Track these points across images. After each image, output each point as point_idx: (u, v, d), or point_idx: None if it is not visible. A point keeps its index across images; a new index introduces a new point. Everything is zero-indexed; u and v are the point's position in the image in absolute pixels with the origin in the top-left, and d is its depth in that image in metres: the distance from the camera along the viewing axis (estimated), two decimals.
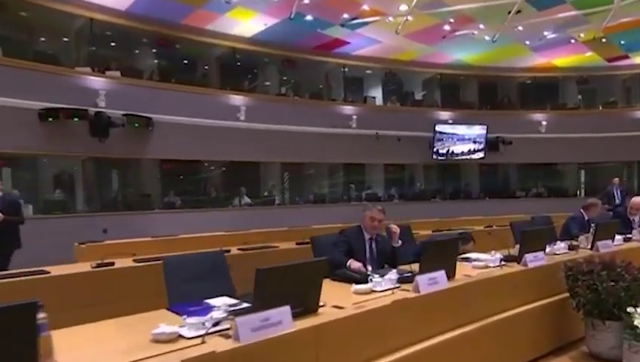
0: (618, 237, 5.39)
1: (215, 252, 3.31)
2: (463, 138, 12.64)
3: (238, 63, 12.47)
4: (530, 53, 12.41)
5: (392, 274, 2.99)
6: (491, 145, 13.06)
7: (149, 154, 9.65)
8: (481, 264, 3.70)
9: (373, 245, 3.97)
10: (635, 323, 3.22)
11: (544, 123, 13.30)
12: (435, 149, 12.47)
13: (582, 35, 11.28)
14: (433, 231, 7.85)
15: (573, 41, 11.71)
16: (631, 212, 6.24)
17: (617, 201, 11.83)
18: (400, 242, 4.00)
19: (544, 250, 4.16)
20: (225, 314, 2.15)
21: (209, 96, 10.53)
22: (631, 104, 14.13)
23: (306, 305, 2.30)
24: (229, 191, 11.48)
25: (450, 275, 3.13)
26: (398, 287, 2.86)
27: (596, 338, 3.59)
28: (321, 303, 2.41)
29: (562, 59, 13.09)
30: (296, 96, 12.28)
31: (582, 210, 6.11)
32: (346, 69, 13.22)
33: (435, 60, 12.92)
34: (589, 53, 12.45)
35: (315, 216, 10.32)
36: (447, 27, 10.79)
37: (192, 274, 2.99)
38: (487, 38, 11.27)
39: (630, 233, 5.58)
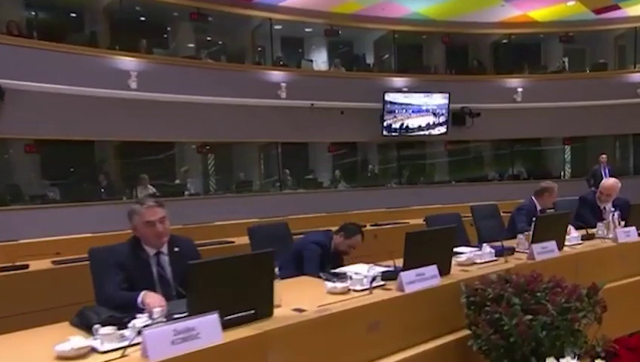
0: (575, 234, 4.29)
1: None
2: (419, 109, 11.49)
3: (142, 18, 11.09)
4: (502, 3, 11.26)
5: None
6: (456, 117, 11.97)
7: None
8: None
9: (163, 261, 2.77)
10: None
11: (520, 90, 12.24)
12: (385, 123, 11.30)
13: None
14: (372, 225, 6.81)
15: None
16: (601, 198, 5.18)
17: None
18: None
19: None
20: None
21: (94, 58, 9.13)
22: (625, 66, 13.15)
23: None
24: (127, 180, 10.18)
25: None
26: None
27: None
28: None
29: (541, 11, 11.98)
30: (210, 59, 10.91)
31: (533, 197, 5.00)
32: (279, 27, 11.90)
33: (386, 14, 11.67)
34: (571, 2, 11.36)
35: (238, 209, 9.19)
36: None
37: None
38: None
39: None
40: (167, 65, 9.90)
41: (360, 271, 3.17)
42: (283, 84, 10.57)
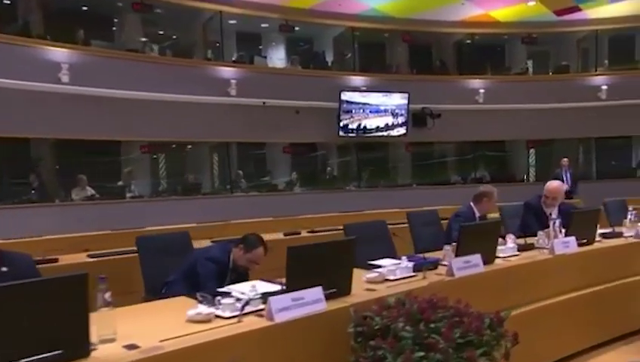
0: (511, 244, 3.89)
1: None
2: (378, 109, 11.06)
3: (84, 7, 10.42)
4: (463, 2, 10.94)
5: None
6: (417, 118, 11.60)
7: None
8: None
9: None
10: None
11: (482, 91, 11.94)
12: (341, 124, 10.85)
13: None
14: (308, 232, 6.34)
15: None
16: (546, 203, 4.80)
17: (567, 187, 10.76)
18: None
19: None
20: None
21: (25, 48, 8.45)
22: (587, 69, 12.99)
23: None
24: (64, 181, 9.51)
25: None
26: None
27: None
28: None
29: (502, 11, 11.71)
30: (159, 54, 10.32)
31: (471, 203, 4.59)
32: (234, 21, 11.36)
33: (343, 9, 11.23)
34: (532, 3, 11.11)
35: (182, 213, 8.65)
36: None
37: None
38: None
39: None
40: (108, 59, 9.25)
41: (245, 291, 2.71)
42: (233, 81, 10.02)
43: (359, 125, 10.95)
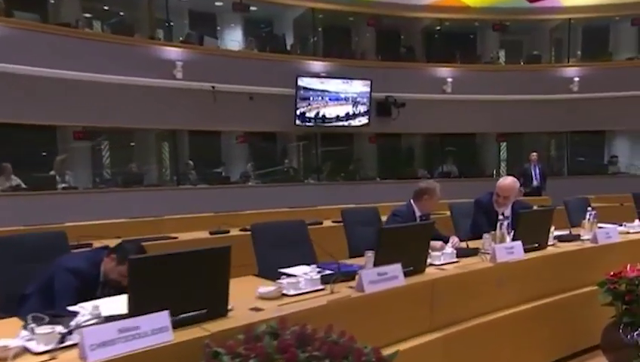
0: (449, 250, 3.43)
1: None
2: (337, 97, 10.54)
3: None
4: None
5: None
6: (381, 108, 11.13)
7: None
8: None
9: None
10: None
11: (449, 80, 11.53)
12: (298, 112, 10.30)
13: None
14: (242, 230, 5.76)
15: None
16: (497, 201, 4.35)
17: (535, 183, 10.48)
18: None
19: None
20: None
21: None
22: (560, 59, 12.71)
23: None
24: None
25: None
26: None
27: None
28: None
29: None
30: (88, 28, 9.59)
31: (412, 201, 4.12)
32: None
33: None
34: None
35: (117, 207, 8.03)
36: None
37: None
38: None
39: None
40: (35, 33, 8.50)
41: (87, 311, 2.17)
42: (179, 63, 9.37)
43: (317, 114, 10.41)
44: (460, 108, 11.60)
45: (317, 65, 10.88)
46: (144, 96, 9.24)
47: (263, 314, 2.24)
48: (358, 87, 10.69)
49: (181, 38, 10.29)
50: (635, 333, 3.22)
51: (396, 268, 2.67)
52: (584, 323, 3.61)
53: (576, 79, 11.80)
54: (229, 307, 2.20)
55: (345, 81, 10.59)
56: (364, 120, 10.88)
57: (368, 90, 10.69)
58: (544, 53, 13.06)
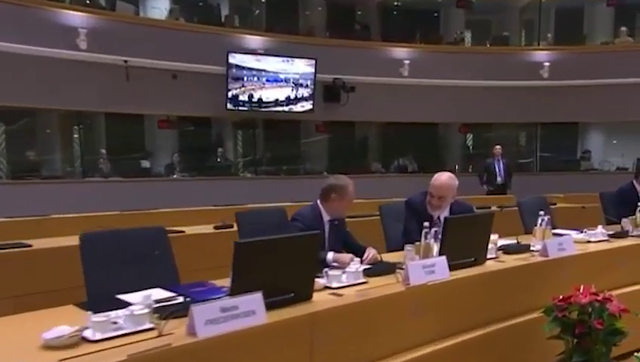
0: (353, 267, 2.83)
1: None
2: (276, 78, 9.89)
3: None
4: None
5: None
6: (329, 92, 10.58)
7: None
8: None
9: None
10: None
11: (407, 62, 11.04)
12: (230, 94, 9.59)
13: None
14: None
15: None
16: (431, 203, 3.80)
17: (499, 180, 10.08)
18: None
19: None
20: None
21: None
22: (530, 42, 12.44)
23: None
24: None
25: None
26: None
27: None
28: None
29: None
30: None
31: (318, 201, 3.51)
32: None
33: None
34: None
35: (9, 201, 7.27)
36: None
37: None
38: None
39: None
40: None
41: None
42: (82, 30, 8.50)
43: (251, 97, 9.73)
44: (418, 94, 11.20)
45: (254, 41, 10.19)
46: (40, 70, 8.40)
47: None
48: (301, 67, 10.08)
49: (88, 1, 9.41)
50: None
51: (254, 300, 2.02)
52: (530, 360, 3.08)
53: (547, 64, 11.54)
54: None
55: (285, 59, 9.95)
56: (307, 105, 10.28)
57: (312, 70, 10.10)
58: (513, 35, 12.85)
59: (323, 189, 3.42)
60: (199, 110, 10.14)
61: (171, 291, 2.58)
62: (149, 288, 2.59)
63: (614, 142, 12.85)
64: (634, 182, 5.39)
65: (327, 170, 11.55)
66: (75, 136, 10.35)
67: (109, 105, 9.19)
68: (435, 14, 13.30)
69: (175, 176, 10.19)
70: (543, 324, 2.89)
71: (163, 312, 2.07)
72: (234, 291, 2.11)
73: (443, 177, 3.78)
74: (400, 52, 11.22)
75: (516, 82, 11.53)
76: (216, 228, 5.16)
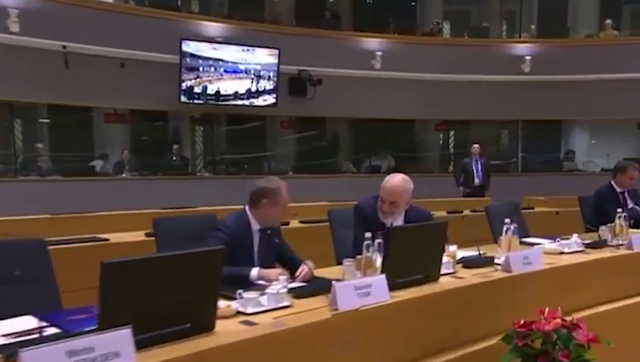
0: (274, 290, 2.48)
1: None
2: (235, 69, 9.53)
3: None
4: None
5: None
6: (294, 85, 10.29)
7: None
8: None
9: None
10: None
11: (379, 54, 10.78)
12: (184, 86, 9.21)
13: None
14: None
15: None
16: (382, 208, 3.48)
17: (477, 181, 9.86)
18: None
19: None
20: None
21: None
22: (511, 34, 12.33)
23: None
24: None
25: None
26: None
27: None
28: None
29: None
30: None
31: (246, 208, 3.15)
32: None
33: None
34: None
35: None
36: None
37: None
38: None
39: None
40: None
41: None
42: (14, 11, 8.06)
43: (206, 89, 9.34)
44: (392, 88, 10.97)
45: (211, 28, 9.84)
46: None
47: None
48: (263, 57, 9.75)
49: None
50: None
51: (118, 338, 1.64)
52: None
53: (529, 58, 11.42)
54: None
55: (245, 48, 9.62)
56: (270, 99, 9.95)
57: (275, 61, 9.78)
58: (494, 26, 12.74)
59: (252, 193, 3.04)
60: (150, 103, 9.76)
61: (45, 319, 2.21)
62: (19, 315, 2.23)
63: (593, 142, 12.80)
64: (612, 182, 5.06)
65: (293, 170, 11.30)
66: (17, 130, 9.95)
67: (45, 96, 8.79)
68: (412, 3, 13.16)
69: (124, 175, 9.78)
70: (503, 353, 2.60)
71: (6, 351, 1.71)
72: (102, 324, 1.79)
73: (395, 180, 3.44)
74: (372, 43, 11.00)
75: (496, 76, 11.39)
76: (147, 235, 4.77)
